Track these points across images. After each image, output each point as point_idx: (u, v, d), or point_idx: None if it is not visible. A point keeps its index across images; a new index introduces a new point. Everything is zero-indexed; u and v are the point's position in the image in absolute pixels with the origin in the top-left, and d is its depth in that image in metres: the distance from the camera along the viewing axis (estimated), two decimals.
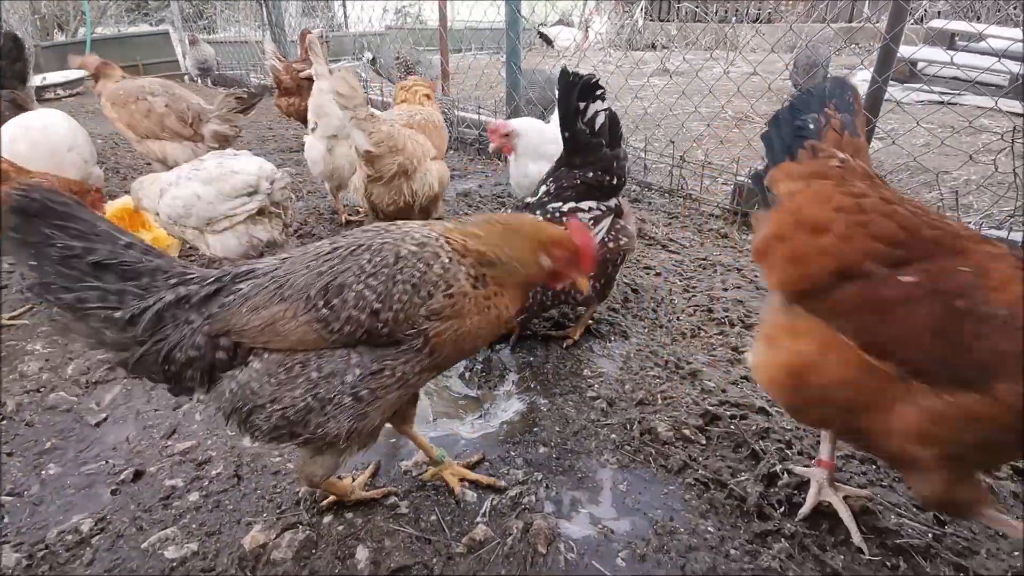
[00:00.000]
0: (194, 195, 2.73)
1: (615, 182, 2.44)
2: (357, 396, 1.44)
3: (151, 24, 15.86)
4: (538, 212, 2.42)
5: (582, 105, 2.29)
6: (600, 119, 2.32)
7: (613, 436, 2.10)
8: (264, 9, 10.06)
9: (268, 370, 1.42)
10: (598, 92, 2.29)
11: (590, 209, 2.43)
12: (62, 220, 1.39)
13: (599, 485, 1.90)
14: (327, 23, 14.21)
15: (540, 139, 3.15)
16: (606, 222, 2.47)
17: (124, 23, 15.82)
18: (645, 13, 16.87)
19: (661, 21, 17.25)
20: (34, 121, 3.56)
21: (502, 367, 2.55)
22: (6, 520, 1.77)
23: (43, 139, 3.40)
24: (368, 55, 7.14)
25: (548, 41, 13.49)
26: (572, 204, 2.42)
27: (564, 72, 2.30)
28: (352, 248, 1.48)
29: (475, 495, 1.86)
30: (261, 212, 2.82)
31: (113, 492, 1.86)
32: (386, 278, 1.41)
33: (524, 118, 3.19)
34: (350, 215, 4.23)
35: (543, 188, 2.50)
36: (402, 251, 1.45)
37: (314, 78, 3.70)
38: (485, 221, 1.61)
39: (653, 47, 15.10)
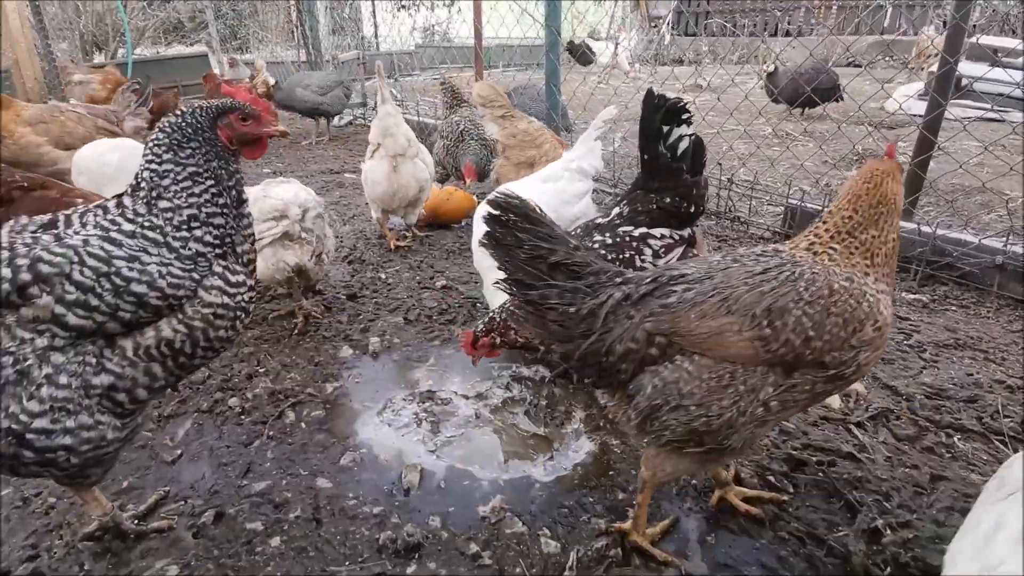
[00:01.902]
0: None
1: (692, 210, 2.36)
2: (762, 418, 1.51)
3: (187, 46, 16.30)
4: (607, 235, 2.37)
5: (665, 128, 2.25)
6: (683, 144, 2.26)
7: (694, 482, 2.03)
8: (298, 31, 10.28)
9: (699, 374, 1.49)
10: (684, 116, 2.24)
11: (662, 237, 2.36)
12: (532, 225, 1.59)
13: (685, 536, 1.84)
14: (357, 42, 14.47)
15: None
16: (678, 251, 2.40)
17: (162, 45, 16.29)
18: (672, 28, 16.86)
19: (688, 36, 17.23)
20: (115, 142, 3.74)
21: (567, 403, 2.51)
22: (87, 567, 1.76)
23: (131, 155, 3.49)
24: (270, 80, 7.59)
25: (578, 55, 13.49)
26: (644, 230, 2.36)
27: (650, 93, 2.25)
28: (785, 273, 1.52)
29: (558, 545, 1.81)
30: (290, 237, 2.81)
31: (195, 535, 1.84)
32: (822, 308, 1.47)
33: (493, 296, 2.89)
34: (398, 240, 4.24)
35: (616, 210, 2.44)
36: (835, 284, 1.51)
37: (379, 100, 3.77)
38: (851, 227, 1.60)
39: (680, 62, 15.07)
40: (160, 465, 2.14)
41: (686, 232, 2.43)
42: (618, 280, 1.62)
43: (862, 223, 1.60)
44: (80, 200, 2.62)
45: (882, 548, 1.71)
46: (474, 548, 1.79)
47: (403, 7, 15.52)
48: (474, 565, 1.75)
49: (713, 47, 13.48)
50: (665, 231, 2.38)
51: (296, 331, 3.04)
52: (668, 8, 16.94)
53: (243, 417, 2.40)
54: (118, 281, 1.50)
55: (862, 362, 1.51)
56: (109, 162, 3.41)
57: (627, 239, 2.35)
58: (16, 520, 1.94)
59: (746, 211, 4.57)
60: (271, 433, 2.31)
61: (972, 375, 2.53)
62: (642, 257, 2.30)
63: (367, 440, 2.30)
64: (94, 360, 1.52)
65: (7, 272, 1.43)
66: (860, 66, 12.31)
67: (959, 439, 2.17)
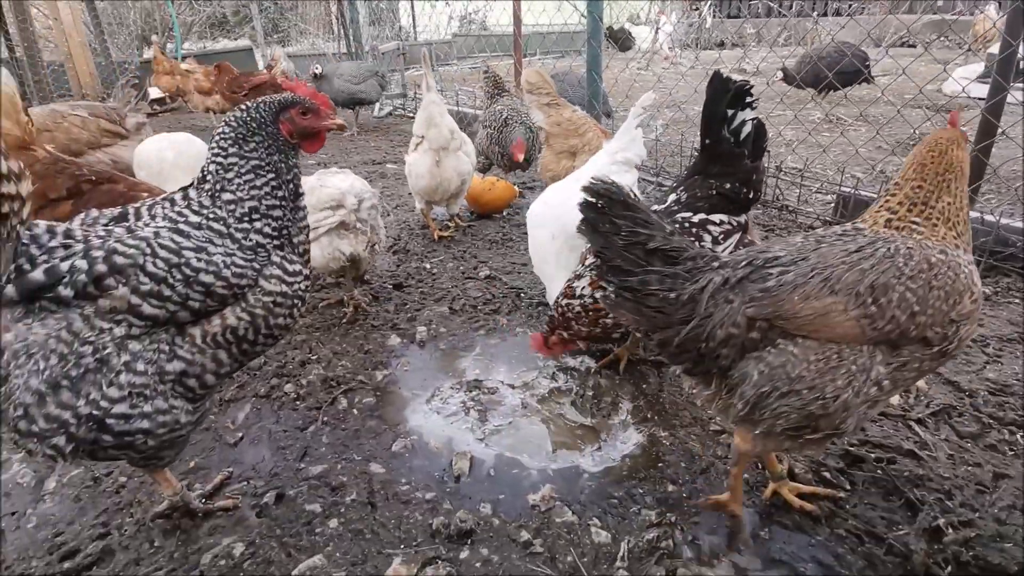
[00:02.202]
0: None
1: (751, 196, 2.33)
2: (875, 397, 1.50)
3: (232, 40, 16.69)
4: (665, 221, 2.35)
5: (730, 112, 2.22)
6: (746, 128, 2.23)
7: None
8: (338, 23, 10.41)
9: (806, 356, 1.49)
10: (748, 100, 2.21)
11: (721, 223, 2.33)
12: (630, 211, 1.59)
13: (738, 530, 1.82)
14: (394, 32, 14.57)
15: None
16: (735, 237, 2.37)
17: (208, 39, 16.71)
18: (713, 10, 16.40)
19: (730, 18, 16.71)
20: (172, 136, 3.80)
21: (613, 394, 2.51)
22: (156, 543, 1.85)
23: (188, 148, 3.61)
24: (317, 68, 7.43)
25: (619, 42, 13.26)
26: (703, 216, 2.33)
27: (717, 76, 2.21)
28: (881, 249, 1.52)
29: (608, 535, 1.82)
30: (346, 227, 2.85)
31: (258, 515, 1.92)
32: (924, 283, 1.47)
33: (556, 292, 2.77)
34: (441, 231, 4.28)
35: (672, 196, 2.42)
36: (932, 258, 1.50)
37: (423, 88, 3.83)
38: (924, 196, 1.58)
39: (721, 45, 14.65)
40: (223, 447, 2.24)
41: (742, 218, 2.39)
42: (715, 264, 1.61)
43: (934, 191, 1.57)
44: (146, 193, 2.73)
45: (943, 547, 1.67)
46: (525, 536, 1.82)
47: None
48: (526, 552, 1.77)
49: (759, 29, 13.06)
50: (724, 217, 2.34)
51: (345, 320, 3.11)
52: None
53: (298, 402, 2.48)
54: (188, 272, 1.56)
55: (962, 336, 1.50)
56: (166, 158, 3.53)
57: (686, 225, 2.33)
58: (87, 499, 2.04)
59: (795, 200, 4.45)
60: (325, 419, 2.38)
61: None
62: (701, 243, 2.28)
63: (417, 427, 2.35)
64: (167, 348, 1.60)
65: (83, 264, 1.49)
66: (914, 46, 11.76)
67: (1022, 436, 2.09)
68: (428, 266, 3.78)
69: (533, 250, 2.97)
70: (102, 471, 2.16)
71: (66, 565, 1.78)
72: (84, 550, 1.82)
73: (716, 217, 2.31)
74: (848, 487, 1.92)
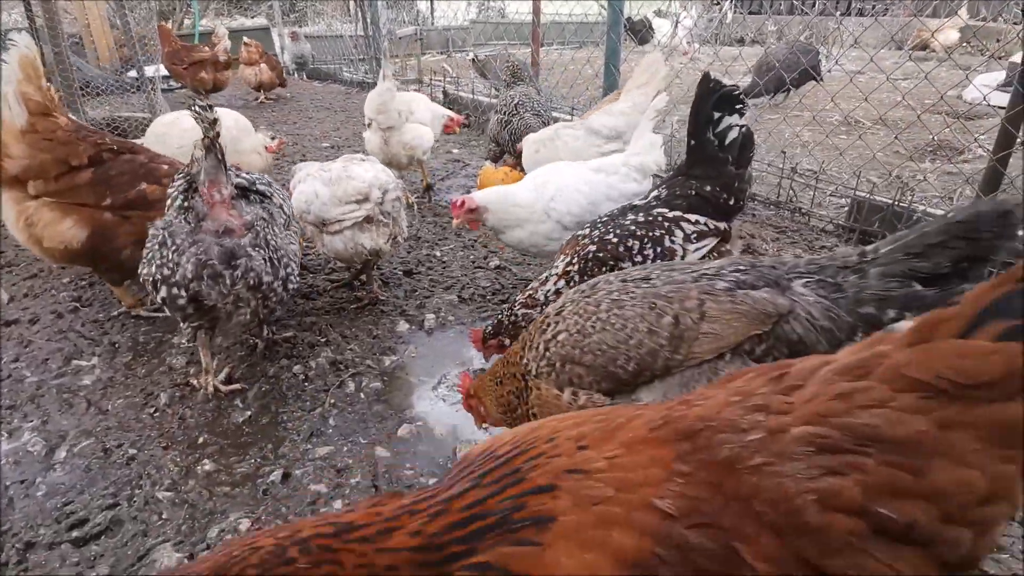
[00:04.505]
0: (314, 193, 2.82)
1: (731, 203, 2.34)
2: None
3: (248, 18, 16.67)
4: (641, 214, 2.36)
5: (716, 115, 2.23)
6: (732, 134, 2.24)
7: None
8: (355, 5, 10.36)
9: None
10: (737, 106, 2.21)
11: (696, 222, 2.33)
12: None
13: None
14: (411, 17, 14.46)
15: (508, 211, 2.88)
16: (708, 241, 2.35)
17: (224, 17, 16.71)
18: (734, 6, 16.20)
19: (751, 14, 16.50)
20: (221, 110, 3.84)
21: None
22: (164, 516, 1.89)
23: (241, 119, 3.83)
24: (471, 54, 7.34)
25: (636, 34, 13.14)
26: (678, 213, 2.33)
27: (706, 77, 2.22)
28: None
29: None
30: (369, 220, 2.84)
31: (264, 492, 1.96)
32: None
33: (491, 189, 2.98)
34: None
35: (653, 193, 2.43)
36: None
37: (380, 78, 4.24)
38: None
39: (741, 41, 14.49)
40: (231, 425, 2.27)
41: (722, 225, 2.38)
42: None
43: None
44: (166, 165, 2.76)
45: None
46: None
47: None
48: None
49: (780, 27, 12.91)
50: (701, 218, 2.34)
51: (357, 307, 3.12)
52: None
53: (306, 384, 2.51)
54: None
55: None
56: (227, 124, 3.50)
57: (659, 219, 2.33)
58: (97, 470, 2.07)
59: (808, 202, 4.43)
60: (332, 401, 2.41)
61: None
62: (672, 238, 2.28)
63: (423, 413, 2.37)
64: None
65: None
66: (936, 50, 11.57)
67: None
68: (438, 254, 3.80)
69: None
70: (113, 443, 2.19)
71: (74, 534, 1.81)
72: (93, 519, 1.86)
73: (693, 217, 2.31)
74: None
